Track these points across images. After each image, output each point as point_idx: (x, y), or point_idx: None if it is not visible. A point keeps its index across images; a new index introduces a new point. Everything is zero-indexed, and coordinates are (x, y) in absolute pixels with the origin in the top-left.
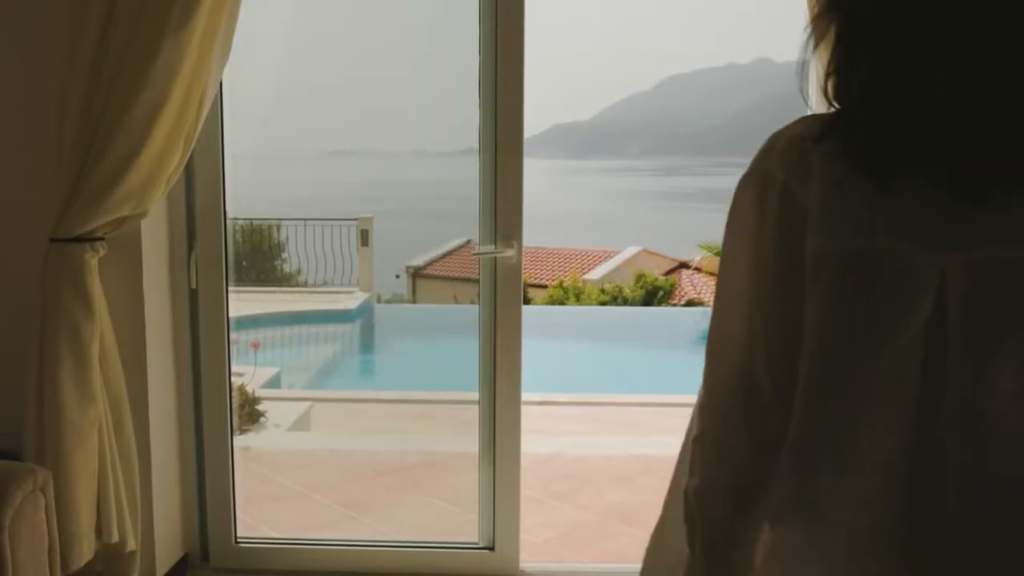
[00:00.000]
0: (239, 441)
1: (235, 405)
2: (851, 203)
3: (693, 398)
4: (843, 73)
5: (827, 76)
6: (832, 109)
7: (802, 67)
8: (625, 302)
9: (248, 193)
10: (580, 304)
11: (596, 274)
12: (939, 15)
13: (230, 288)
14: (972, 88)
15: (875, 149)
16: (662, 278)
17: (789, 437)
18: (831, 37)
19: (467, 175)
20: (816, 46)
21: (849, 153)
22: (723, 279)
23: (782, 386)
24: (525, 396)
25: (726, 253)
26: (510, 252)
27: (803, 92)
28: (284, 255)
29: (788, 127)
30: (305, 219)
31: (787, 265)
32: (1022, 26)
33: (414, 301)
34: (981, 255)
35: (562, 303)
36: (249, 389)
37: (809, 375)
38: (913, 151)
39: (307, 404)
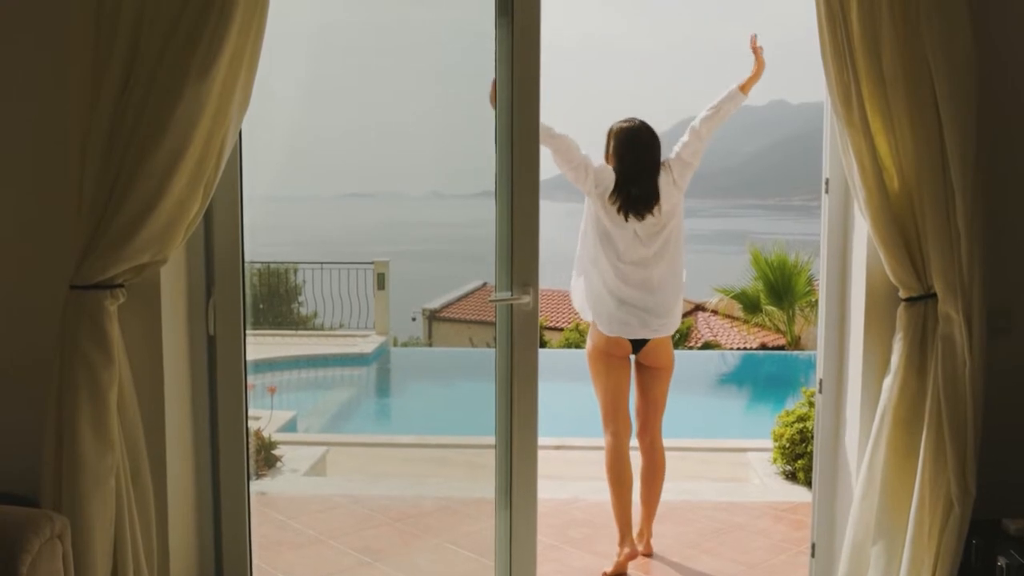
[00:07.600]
0: (255, 486)
1: (251, 450)
2: (609, 210)
3: (712, 443)
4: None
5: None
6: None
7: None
8: None
9: (265, 236)
10: None
11: None
12: (630, 166)
13: (247, 332)
14: (635, 181)
15: (614, 199)
16: None
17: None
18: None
19: (483, 217)
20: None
21: (611, 200)
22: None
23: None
24: (541, 440)
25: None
26: (526, 299)
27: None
28: (301, 298)
29: None
30: (322, 263)
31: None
32: (645, 169)
33: (430, 344)
34: (643, 225)
35: (578, 346)
36: (265, 434)
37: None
38: (624, 199)
39: (323, 449)
